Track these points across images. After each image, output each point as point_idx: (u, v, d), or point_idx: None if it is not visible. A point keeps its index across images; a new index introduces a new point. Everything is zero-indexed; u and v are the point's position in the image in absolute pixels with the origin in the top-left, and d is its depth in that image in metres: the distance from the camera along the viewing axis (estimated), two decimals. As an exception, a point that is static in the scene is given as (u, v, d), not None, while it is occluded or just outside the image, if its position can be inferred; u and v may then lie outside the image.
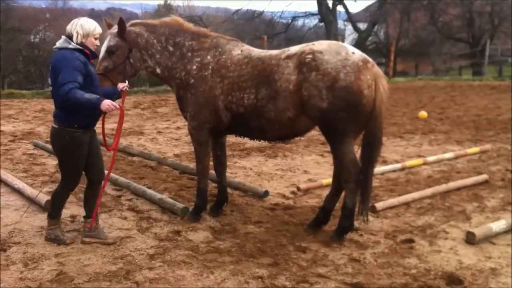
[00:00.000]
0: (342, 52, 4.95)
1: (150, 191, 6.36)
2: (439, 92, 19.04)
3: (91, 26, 4.69)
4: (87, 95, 4.41)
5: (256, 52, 5.47)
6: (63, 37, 4.63)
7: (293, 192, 6.88)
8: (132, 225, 5.52)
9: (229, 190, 6.76)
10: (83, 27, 4.64)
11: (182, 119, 11.94)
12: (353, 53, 4.97)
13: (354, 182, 5.12)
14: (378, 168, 7.71)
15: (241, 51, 5.47)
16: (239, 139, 9.23)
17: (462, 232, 5.47)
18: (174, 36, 5.57)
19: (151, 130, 10.94)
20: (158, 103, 14.68)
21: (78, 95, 4.36)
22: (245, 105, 5.27)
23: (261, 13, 30.59)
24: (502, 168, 8.28)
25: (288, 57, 5.14)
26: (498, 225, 5.49)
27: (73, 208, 5.93)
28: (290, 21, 31.85)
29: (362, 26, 33.97)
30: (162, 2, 39.21)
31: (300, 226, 5.61)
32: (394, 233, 5.48)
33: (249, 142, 9.40)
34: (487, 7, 33.41)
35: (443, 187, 6.95)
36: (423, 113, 13.48)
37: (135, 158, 8.40)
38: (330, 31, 29.29)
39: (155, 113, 13.13)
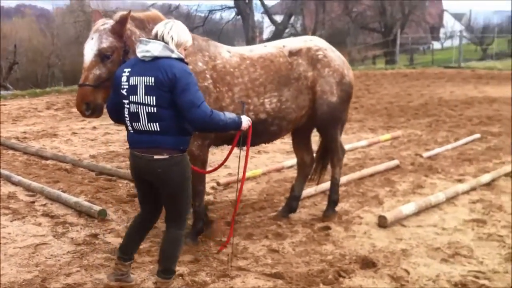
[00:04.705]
0: (334, 49, 5.45)
1: (65, 195, 6.18)
2: (354, 82, 19.65)
3: (187, 36, 3.92)
4: (228, 114, 3.92)
5: (246, 50, 5.20)
6: (161, 43, 3.74)
7: (213, 188, 6.90)
8: (47, 231, 5.36)
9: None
10: (179, 35, 3.83)
11: (98, 119, 11.65)
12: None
13: (342, 160, 5.86)
14: (294, 160, 7.89)
15: (229, 52, 5.01)
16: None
17: (375, 217, 5.71)
18: None
19: (65, 131, 10.58)
20: (73, 103, 14.15)
21: (221, 116, 3.81)
22: (267, 110, 4.99)
23: (177, 6, 30.30)
24: (412, 153, 8.69)
25: (293, 53, 5.19)
26: (408, 208, 5.78)
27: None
28: (207, 14, 31.76)
29: (279, 18, 34.41)
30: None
31: (221, 220, 5.65)
32: (311, 222, 5.64)
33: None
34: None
35: (357, 174, 7.22)
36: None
37: (49, 162, 8.10)
38: (248, 24, 29.50)
39: (70, 114, 12.71)
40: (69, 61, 29.61)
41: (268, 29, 37.09)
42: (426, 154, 8.42)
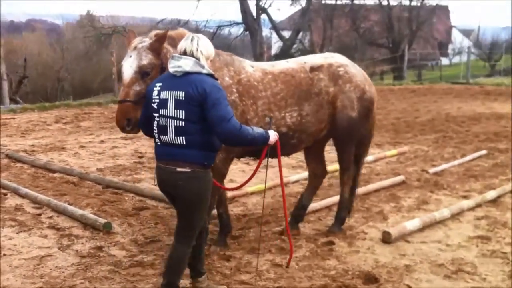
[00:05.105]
0: (355, 65, 5.51)
1: (71, 208, 6.24)
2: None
3: (212, 48, 4.00)
4: (256, 129, 3.98)
5: (268, 65, 5.33)
6: (192, 59, 3.82)
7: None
8: (53, 243, 5.40)
9: (153, 202, 6.76)
10: (207, 49, 3.92)
11: (106, 133, 11.80)
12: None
13: (352, 178, 5.85)
14: (301, 174, 7.93)
15: (252, 66, 5.14)
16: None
17: (379, 232, 5.71)
18: None
19: (73, 144, 10.66)
20: (81, 117, 14.32)
21: (250, 130, 3.87)
22: (287, 124, 5.11)
23: (187, 22, 30.50)
24: (418, 168, 8.68)
25: (314, 69, 5.29)
26: (413, 224, 5.78)
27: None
28: (215, 30, 31.98)
29: (287, 34, 34.61)
30: (84, 13, 38.27)
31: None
32: (315, 237, 5.65)
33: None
34: (405, 12, 34.98)
35: (362, 189, 7.21)
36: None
37: (56, 175, 8.16)
38: (256, 40, 29.69)
39: (78, 127, 12.80)
40: (78, 75, 29.93)
41: (276, 44, 37.34)
42: (432, 170, 8.41)
